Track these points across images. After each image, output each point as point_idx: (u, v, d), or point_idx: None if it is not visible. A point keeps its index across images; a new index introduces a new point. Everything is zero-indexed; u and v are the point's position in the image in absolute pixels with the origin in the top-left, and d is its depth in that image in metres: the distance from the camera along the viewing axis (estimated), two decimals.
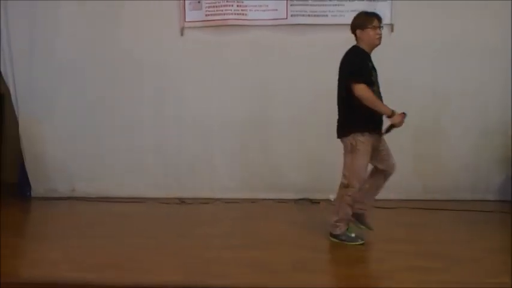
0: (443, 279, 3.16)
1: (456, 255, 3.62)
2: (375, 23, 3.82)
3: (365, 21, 3.84)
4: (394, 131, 3.78)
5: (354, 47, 3.87)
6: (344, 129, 3.83)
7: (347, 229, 3.89)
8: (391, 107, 3.75)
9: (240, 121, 5.74)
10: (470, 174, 5.62)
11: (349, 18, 5.46)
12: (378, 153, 3.84)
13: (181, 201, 5.52)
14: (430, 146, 5.59)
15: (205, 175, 5.74)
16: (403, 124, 3.73)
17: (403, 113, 3.73)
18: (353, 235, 3.88)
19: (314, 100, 5.63)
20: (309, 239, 4.09)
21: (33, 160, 5.82)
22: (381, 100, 3.82)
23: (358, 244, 3.81)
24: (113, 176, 5.74)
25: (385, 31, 5.34)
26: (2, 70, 5.81)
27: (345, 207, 3.85)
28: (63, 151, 5.81)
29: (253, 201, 5.52)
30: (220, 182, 5.70)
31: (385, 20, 5.43)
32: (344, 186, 3.83)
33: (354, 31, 3.89)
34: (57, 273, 3.22)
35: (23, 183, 5.87)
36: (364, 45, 3.84)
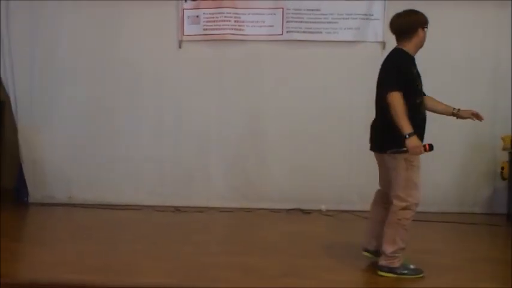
0: (429, 286, 3.31)
1: (442, 264, 3.76)
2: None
3: (424, 20, 3.51)
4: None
5: (398, 49, 3.53)
6: (397, 144, 3.32)
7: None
8: None
9: (235, 132, 5.87)
10: (458, 188, 5.76)
11: (342, 36, 5.79)
12: None
13: (176, 209, 5.64)
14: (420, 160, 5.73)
15: (200, 184, 5.84)
16: (419, 155, 3.36)
17: (429, 144, 3.32)
18: (413, 266, 3.46)
19: (308, 113, 5.79)
20: (299, 247, 4.22)
21: (32, 166, 5.92)
22: (424, 113, 3.54)
23: (419, 277, 3.44)
24: (109, 183, 5.83)
25: (377, 48, 5.65)
26: (2, 77, 5.93)
27: (403, 234, 3.40)
28: (61, 158, 5.90)
29: (246, 210, 5.64)
30: (215, 191, 5.81)
31: (378, 37, 5.69)
32: (401, 208, 3.37)
33: (410, 29, 3.49)
34: (56, 275, 3.33)
35: (20, 189, 5.97)
36: (411, 47, 3.51)
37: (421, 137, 3.46)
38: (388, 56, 3.57)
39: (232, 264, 3.65)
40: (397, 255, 3.43)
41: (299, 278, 3.41)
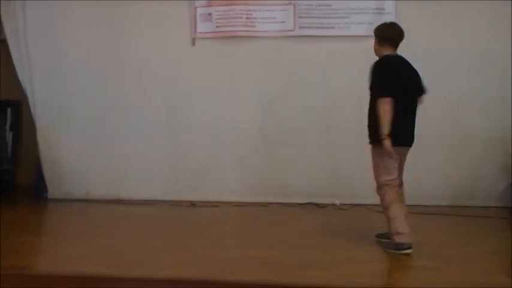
0: (439, 278, 3.34)
1: (454, 256, 3.78)
2: None
3: None
4: None
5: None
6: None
7: None
8: None
9: (248, 128, 5.93)
10: (471, 181, 5.75)
11: (354, 30, 5.81)
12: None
13: (192, 204, 5.71)
14: (433, 154, 5.73)
15: (215, 180, 5.92)
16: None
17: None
18: None
19: (320, 108, 5.83)
20: (315, 240, 4.27)
21: (50, 164, 6.05)
22: None
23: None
24: (125, 179, 5.95)
25: None
26: (20, 78, 6.05)
27: None
28: (77, 155, 6.03)
29: (261, 204, 5.70)
30: (229, 186, 5.87)
31: None
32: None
33: (397, 40, 4.09)
34: (75, 268, 3.42)
35: (39, 186, 6.10)
36: None
37: None
38: (407, 61, 4.01)
39: (248, 257, 3.71)
40: None
41: (315, 271, 3.46)
